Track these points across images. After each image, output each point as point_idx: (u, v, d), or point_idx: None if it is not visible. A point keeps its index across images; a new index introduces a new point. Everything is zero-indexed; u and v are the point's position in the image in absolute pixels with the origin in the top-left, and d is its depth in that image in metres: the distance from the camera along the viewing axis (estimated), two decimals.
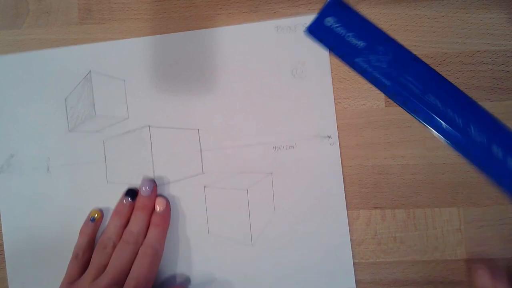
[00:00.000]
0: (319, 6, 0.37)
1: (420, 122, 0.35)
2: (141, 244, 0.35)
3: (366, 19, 0.36)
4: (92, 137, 0.38)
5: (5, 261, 0.38)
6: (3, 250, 0.38)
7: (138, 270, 0.34)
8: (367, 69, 0.36)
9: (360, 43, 0.35)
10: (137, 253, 0.34)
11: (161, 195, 0.37)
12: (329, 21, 0.36)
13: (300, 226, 0.36)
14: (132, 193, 0.37)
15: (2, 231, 0.39)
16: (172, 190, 0.37)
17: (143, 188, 0.36)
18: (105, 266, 0.35)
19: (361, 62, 0.36)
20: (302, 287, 0.36)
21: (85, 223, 0.37)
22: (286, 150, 0.37)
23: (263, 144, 0.37)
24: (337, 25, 0.36)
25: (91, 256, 0.36)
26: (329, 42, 0.36)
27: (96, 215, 0.37)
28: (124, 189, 0.38)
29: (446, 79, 0.35)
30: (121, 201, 0.37)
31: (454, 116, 0.35)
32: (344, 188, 0.36)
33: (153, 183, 0.37)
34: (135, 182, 0.38)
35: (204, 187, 0.37)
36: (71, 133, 0.39)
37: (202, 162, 0.37)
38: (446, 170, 0.36)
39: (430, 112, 0.35)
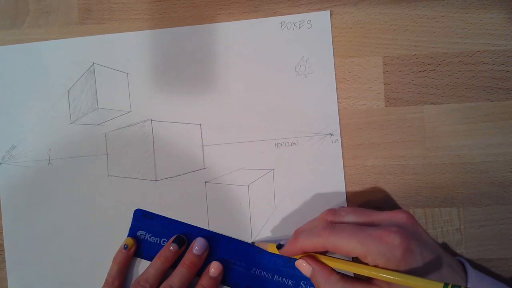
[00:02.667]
0: (319, 6, 0.37)
1: None
2: None
3: (172, 219, 0.37)
4: (94, 130, 0.38)
5: (5, 261, 0.38)
6: (3, 251, 0.38)
7: None
8: None
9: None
10: None
11: (217, 261, 0.36)
12: (142, 233, 0.37)
13: (300, 224, 0.36)
14: (179, 241, 0.36)
15: (2, 222, 0.39)
16: (173, 185, 0.37)
17: (196, 248, 0.35)
18: None
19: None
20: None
21: (118, 250, 0.37)
22: (288, 147, 0.37)
23: (265, 140, 0.37)
24: (149, 235, 0.37)
25: (122, 284, 0.36)
26: (148, 253, 0.37)
27: (129, 243, 0.37)
28: (125, 182, 0.38)
29: (262, 249, 0.36)
30: (167, 246, 0.36)
31: (283, 280, 0.35)
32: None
33: (207, 244, 0.36)
34: (136, 176, 0.38)
35: (205, 182, 0.37)
36: (73, 126, 0.39)
37: (203, 157, 0.37)
38: (446, 170, 0.36)
39: (260, 283, 0.35)
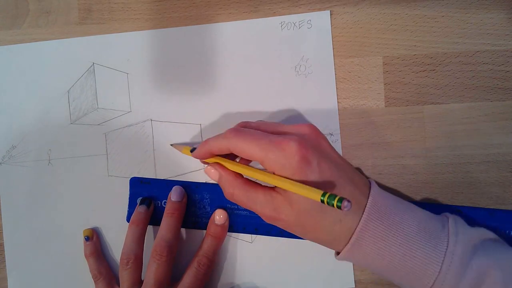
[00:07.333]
0: (319, 6, 0.37)
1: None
2: (174, 252, 0.34)
3: (168, 180, 0.37)
4: (94, 130, 0.38)
5: (5, 261, 0.38)
6: (3, 251, 0.38)
7: (191, 280, 0.33)
8: (197, 221, 0.37)
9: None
10: (171, 262, 0.34)
11: (221, 208, 0.36)
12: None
13: None
14: (147, 202, 0.36)
15: (2, 222, 0.39)
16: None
17: (174, 196, 0.36)
18: (137, 281, 0.34)
19: (189, 217, 0.37)
20: (301, 287, 0.36)
21: (84, 245, 0.37)
22: None
23: None
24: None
25: (108, 271, 0.36)
26: (153, 218, 0.37)
27: (89, 233, 0.37)
28: (125, 182, 0.38)
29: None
30: (136, 211, 0.36)
31: None
32: None
33: (183, 190, 0.36)
34: (136, 176, 0.38)
35: (205, 182, 0.37)
36: (73, 126, 0.39)
37: None
38: (446, 170, 0.36)
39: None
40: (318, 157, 0.28)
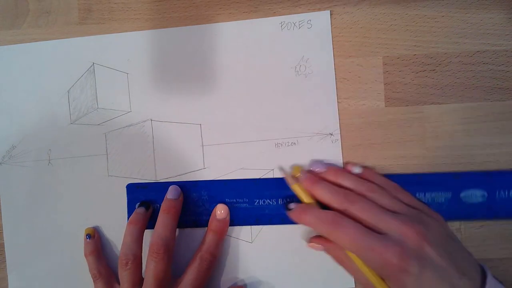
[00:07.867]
0: (319, 6, 0.37)
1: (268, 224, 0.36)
2: (171, 249, 0.34)
3: (165, 182, 0.37)
4: (94, 130, 0.38)
5: (5, 261, 0.38)
6: (3, 250, 0.39)
7: (194, 276, 0.33)
8: (197, 219, 0.37)
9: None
10: (169, 259, 0.34)
11: (222, 203, 0.36)
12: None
13: (300, 225, 0.36)
14: (146, 205, 0.36)
15: (3, 222, 0.39)
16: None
17: (170, 193, 0.35)
18: (138, 281, 0.34)
19: (189, 216, 0.37)
20: (301, 287, 0.36)
21: (84, 244, 0.37)
22: (288, 147, 0.37)
23: (265, 140, 0.37)
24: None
25: (108, 271, 0.36)
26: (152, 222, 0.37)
27: (90, 232, 0.37)
28: (125, 182, 0.38)
29: (260, 180, 0.36)
30: (135, 212, 0.36)
31: (278, 201, 0.36)
32: None
33: (179, 189, 0.36)
34: (136, 176, 0.38)
35: (202, 180, 0.37)
36: (73, 126, 0.39)
37: (203, 157, 0.37)
38: (446, 170, 0.36)
39: (267, 212, 0.36)
40: (420, 266, 0.28)
